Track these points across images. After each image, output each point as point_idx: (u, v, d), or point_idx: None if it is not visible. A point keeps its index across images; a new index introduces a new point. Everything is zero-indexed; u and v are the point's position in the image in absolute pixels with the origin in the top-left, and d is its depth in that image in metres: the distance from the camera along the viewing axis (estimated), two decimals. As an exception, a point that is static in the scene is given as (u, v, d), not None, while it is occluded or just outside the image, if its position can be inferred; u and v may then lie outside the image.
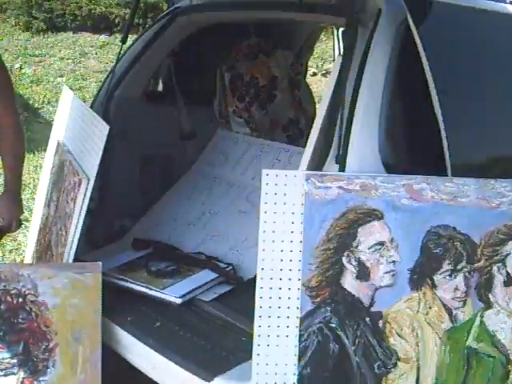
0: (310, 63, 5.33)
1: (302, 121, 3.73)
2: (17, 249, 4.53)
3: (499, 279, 2.29)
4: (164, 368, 2.39)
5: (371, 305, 2.20)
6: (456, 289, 2.25)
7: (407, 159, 2.45)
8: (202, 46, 3.65)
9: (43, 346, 2.46)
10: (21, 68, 9.99)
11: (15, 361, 2.44)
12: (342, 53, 2.46)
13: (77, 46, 11.10)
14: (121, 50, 3.42)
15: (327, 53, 10.12)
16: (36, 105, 8.83)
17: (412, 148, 2.47)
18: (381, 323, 2.21)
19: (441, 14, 2.70)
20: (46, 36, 11.31)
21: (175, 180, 3.60)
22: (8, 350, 2.44)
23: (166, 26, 3.49)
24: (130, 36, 3.41)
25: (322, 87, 8.85)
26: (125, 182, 3.43)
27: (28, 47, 10.84)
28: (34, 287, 2.45)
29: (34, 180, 5.57)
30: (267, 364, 2.17)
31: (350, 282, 2.19)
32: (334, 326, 2.17)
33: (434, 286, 2.24)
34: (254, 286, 2.19)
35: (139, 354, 2.49)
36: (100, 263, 2.52)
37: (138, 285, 2.79)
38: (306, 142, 2.44)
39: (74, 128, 3.11)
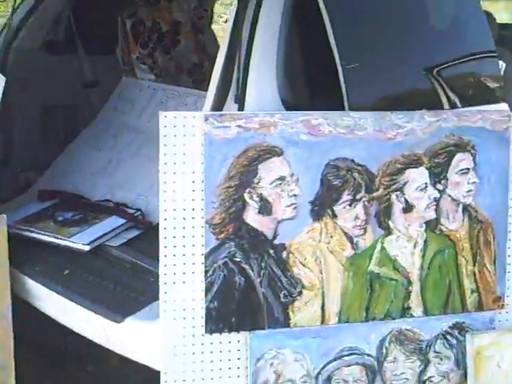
0: (223, 10, 5.27)
1: (206, 65, 3.73)
2: None
3: (398, 206, 2.39)
4: (75, 313, 2.42)
5: (274, 237, 2.27)
6: (356, 217, 2.34)
7: (306, 97, 2.50)
8: (102, -8, 3.59)
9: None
10: None
11: None
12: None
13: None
14: (15, 1, 3.33)
15: None
16: None
17: (311, 86, 2.52)
18: (284, 254, 2.28)
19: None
20: None
21: (80, 130, 3.56)
22: None
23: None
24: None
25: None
26: (28, 135, 3.38)
27: None
28: None
29: None
30: (175, 301, 2.21)
31: (252, 217, 2.24)
32: (238, 259, 2.23)
33: (334, 216, 2.32)
34: (162, 230, 2.22)
35: (49, 301, 2.50)
36: (4, 216, 2.50)
37: (44, 235, 2.79)
38: (210, 84, 2.46)
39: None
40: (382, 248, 2.38)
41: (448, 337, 2.48)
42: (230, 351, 2.29)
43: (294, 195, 2.26)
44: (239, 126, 2.19)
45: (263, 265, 2.25)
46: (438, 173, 2.40)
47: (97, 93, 3.67)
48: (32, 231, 2.80)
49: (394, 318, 2.41)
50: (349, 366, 2.39)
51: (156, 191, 2.78)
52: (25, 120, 3.36)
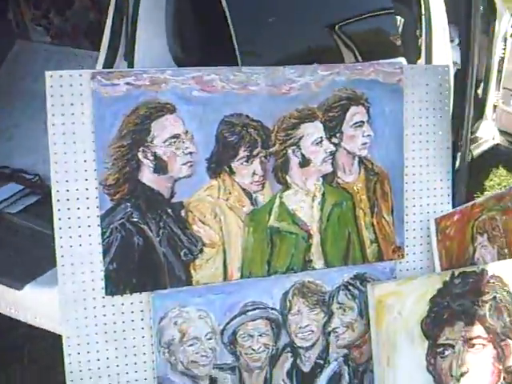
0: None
1: (103, 25, 3.63)
2: None
3: (295, 161, 2.41)
4: (-26, 284, 2.37)
5: (172, 196, 2.26)
6: (254, 173, 2.35)
7: (198, 54, 2.47)
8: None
9: None
10: None
11: None
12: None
13: None
14: None
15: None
16: None
17: (203, 42, 2.49)
18: (183, 213, 2.27)
19: None
20: None
21: (-26, 97, 3.44)
22: None
23: None
24: None
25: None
26: None
27: None
28: None
29: None
30: (72, 264, 2.18)
31: (148, 177, 2.22)
32: (135, 220, 2.22)
33: (232, 173, 2.32)
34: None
35: None
36: None
37: None
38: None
39: None
40: (281, 203, 2.40)
41: (350, 288, 2.52)
42: (132, 312, 2.28)
43: (190, 153, 2.25)
44: (128, 84, 2.16)
45: (162, 224, 2.24)
46: (332, 126, 2.42)
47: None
48: None
49: (295, 272, 2.44)
50: (253, 320, 2.41)
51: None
52: None
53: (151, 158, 2.21)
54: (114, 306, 2.25)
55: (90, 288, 2.22)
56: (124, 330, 2.28)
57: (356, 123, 2.45)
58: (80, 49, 3.44)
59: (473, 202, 2.69)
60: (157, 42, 2.31)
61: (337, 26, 2.77)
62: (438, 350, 2.52)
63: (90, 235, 2.18)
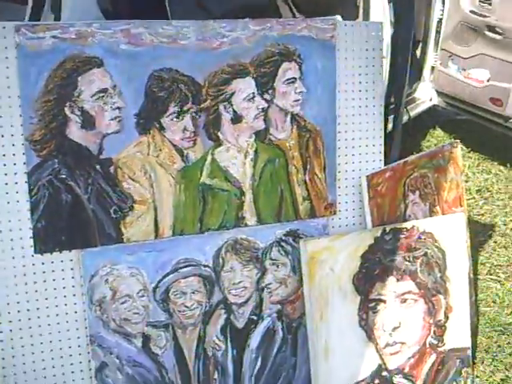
0: None
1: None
2: None
3: (226, 117, 2.39)
4: None
5: (100, 152, 2.23)
6: (185, 129, 2.33)
7: (128, 7, 2.43)
8: None
9: None
10: None
11: None
12: None
13: None
14: None
15: None
16: None
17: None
18: (112, 169, 2.25)
19: None
20: None
21: None
22: None
23: None
24: None
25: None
26: None
27: None
28: None
29: None
30: (0, 222, 2.15)
31: (75, 132, 2.19)
32: (63, 176, 2.18)
33: (162, 129, 2.30)
34: None
35: None
36: None
37: None
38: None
39: None
40: (213, 159, 2.39)
41: (283, 244, 2.54)
42: (63, 270, 2.26)
43: (118, 108, 2.22)
44: (54, 37, 2.11)
45: (90, 181, 2.22)
46: (264, 82, 2.41)
47: None
48: None
49: (228, 228, 2.44)
50: (186, 277, 2.41)
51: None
52: None
53: (78, 113, 2.17)
54: (43, 264, 2.23)
55: (19, 246, 2.19)
56: (55, 289, 2.26)
57: (288, 79, 2.44)
58: (9, 2, 3.32)
59: (405, 160, 2.72)
60: (84, -6, 2.26)
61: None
62: (370, 306, 2.56)
63: (17, 192, 2.15)
